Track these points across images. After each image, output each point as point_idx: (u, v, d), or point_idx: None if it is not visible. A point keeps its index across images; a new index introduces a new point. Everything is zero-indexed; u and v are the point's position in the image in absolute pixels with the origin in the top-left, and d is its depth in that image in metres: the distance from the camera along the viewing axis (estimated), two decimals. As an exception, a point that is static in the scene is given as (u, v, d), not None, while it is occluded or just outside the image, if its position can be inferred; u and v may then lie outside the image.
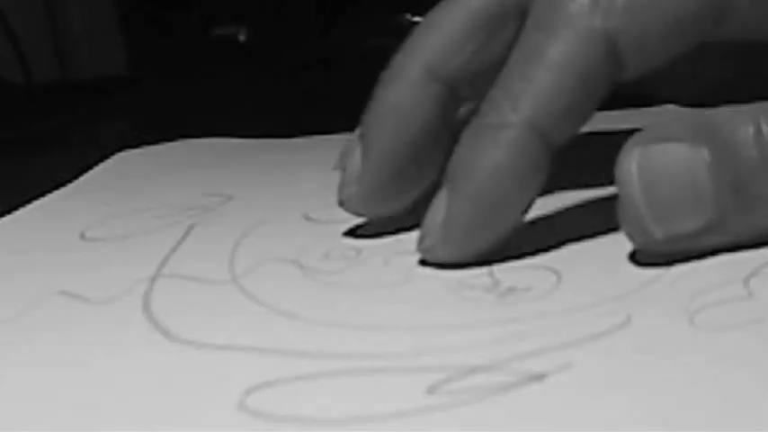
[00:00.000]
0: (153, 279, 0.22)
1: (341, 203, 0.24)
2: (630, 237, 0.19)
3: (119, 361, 0.18)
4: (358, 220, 0.25)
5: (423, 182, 0.24)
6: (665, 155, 0.18)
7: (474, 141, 0.21)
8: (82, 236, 0.26)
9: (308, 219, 0.26)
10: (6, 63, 0.65)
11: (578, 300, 0.18)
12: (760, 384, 0.14)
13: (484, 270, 0.21)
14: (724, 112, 0.19)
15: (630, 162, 0.19)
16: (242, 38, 0.62)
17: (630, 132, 0.20)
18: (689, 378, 0.15)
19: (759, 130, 0.18)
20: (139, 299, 0.21)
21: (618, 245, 0.22)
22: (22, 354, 0.18)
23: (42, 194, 0.31)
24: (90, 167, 0.35)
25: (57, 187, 0.32)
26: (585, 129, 0.32)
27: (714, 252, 0.20)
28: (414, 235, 0.23)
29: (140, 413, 0.16)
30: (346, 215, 0.26)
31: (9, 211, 0.29)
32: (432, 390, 0.15)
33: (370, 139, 0.23)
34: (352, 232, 0.24)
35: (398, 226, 0.24)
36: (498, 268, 0.21)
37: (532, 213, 0.24)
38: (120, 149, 0.37)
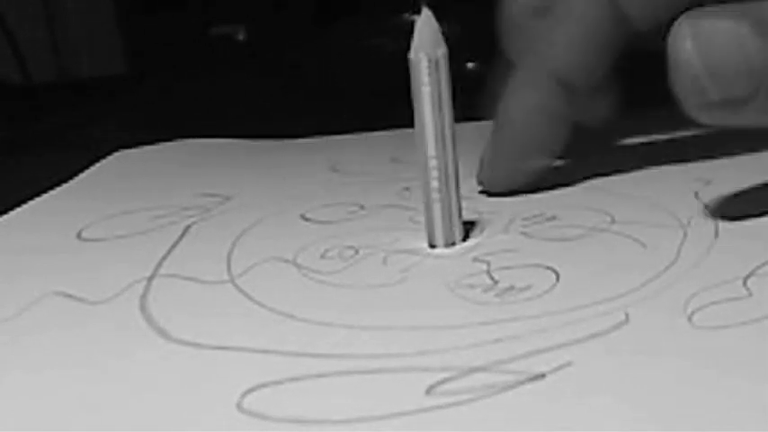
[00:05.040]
0: (150, 279, 0.22)
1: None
2: (685, 99, 0.20)
3: (116, 361, 0.18)
4: (355, 220, 0.25)
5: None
6: (714, 28, 0.20)
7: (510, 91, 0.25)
8: (79, 236, 0.26)
9: (305, 219, 0.26)
10: (4, 63, 0.65)
11: (577, 299, 0.18)
12: (759, 384, 0.14)
13: (483, 269, 0.21)
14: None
15: (685, 32, 0.20)
16: (240, 37, 0.62)
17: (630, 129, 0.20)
18: (688, 377, 0.15)
19: None
20: (136, 299, 0.21)
21: (617, 244, 0.22)
22: (18, 354, 0.18)
23: (40, 194, 0.31)
24: (88, 167, 0.34)
25: (54, 187, 0.32)
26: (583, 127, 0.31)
27: (713, 251, 0.20)
28: (411, 235, 0.23)
29: (138, 413, 0.15)
30: (344, 215, 0.26)
31: (6, 211, 0.29)
32: (431, 390, 0.15)
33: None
34: (350, 232, 0.24)
35: (397, 226, 0.24)
36: (497, 267, 0.21)
37: (530, 212, 0.24)
38: (117, 149, 0.37)
